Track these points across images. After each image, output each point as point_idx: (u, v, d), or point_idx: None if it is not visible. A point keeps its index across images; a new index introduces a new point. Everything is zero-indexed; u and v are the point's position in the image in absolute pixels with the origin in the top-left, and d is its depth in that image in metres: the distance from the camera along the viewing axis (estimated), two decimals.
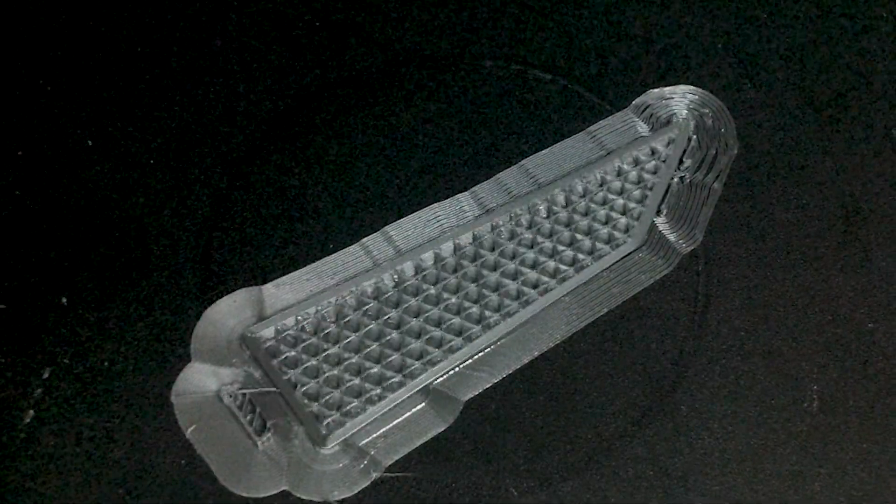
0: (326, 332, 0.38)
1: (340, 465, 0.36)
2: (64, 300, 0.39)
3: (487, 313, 0.38)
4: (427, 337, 0.37)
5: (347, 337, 0.38)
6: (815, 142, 0.43)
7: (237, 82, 0.44)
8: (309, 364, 0.37)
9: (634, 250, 0.40)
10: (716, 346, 0.39)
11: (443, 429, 0.36)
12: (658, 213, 0.40)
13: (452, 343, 0.37)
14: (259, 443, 0.35)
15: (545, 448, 0.37)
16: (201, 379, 0.36)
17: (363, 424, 0.36)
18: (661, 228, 0.40)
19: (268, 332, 0.37)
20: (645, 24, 0.45)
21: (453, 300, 0.38)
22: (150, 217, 0.41)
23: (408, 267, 0.39)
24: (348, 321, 0.38)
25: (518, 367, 0.38)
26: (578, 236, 0.39)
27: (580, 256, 0.39)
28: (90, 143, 0.42)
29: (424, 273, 0.39)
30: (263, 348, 0.37)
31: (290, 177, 0.42)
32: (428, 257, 0.39)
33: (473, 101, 0.43)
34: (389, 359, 0.37)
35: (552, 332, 0.38)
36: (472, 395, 0.37)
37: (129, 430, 0.37)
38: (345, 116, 0.43)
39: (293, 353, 0.37)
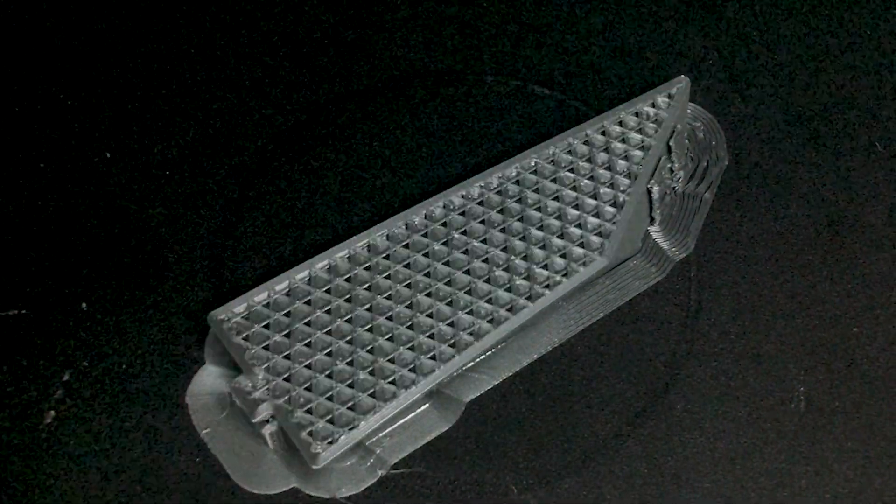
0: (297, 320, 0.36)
1: (348, 463, 0.35)
2: (84, 306, 0.39)
3: (479, 321, 0.37)
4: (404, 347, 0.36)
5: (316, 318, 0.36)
6: (801, 154, 0.43)
7: (249, 97, 0.44)
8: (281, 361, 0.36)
9: (630, 257, 0.40)
10: (707, 349, 0.39)
11: (446, 428, 0.36)
12: (651, 221, 0.40)
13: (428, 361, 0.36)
14: (269, 442, 0.35)
15: (544, 447, 0.37)
16: (214, 381, 0.36)
17: (353, 442, 0.35)
18: (654, 237, 0.40)
19: (236, 311, 0.37)
20: (639, 42, 0.45)
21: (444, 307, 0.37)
22: (166, 226, 0.41)
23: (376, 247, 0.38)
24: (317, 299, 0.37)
25: (518, 369, 0.38)
26: (554, 258, 0.38)
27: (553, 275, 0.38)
28: (108, 155, 0.42)
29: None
30: (228, 333, 0.36)
31: (299, 187, 0.42)
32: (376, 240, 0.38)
33: (475, 115, 0.44)
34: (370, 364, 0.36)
35: (550, 336, 0.38)
36: (473, 397, 0.37)
37: (146, 429, 0.37)
38: (352, 130, 0.43)
39: (262, 349, 0.36)
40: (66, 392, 0.38)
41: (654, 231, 0.40)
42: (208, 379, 0.36)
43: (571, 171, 0.40)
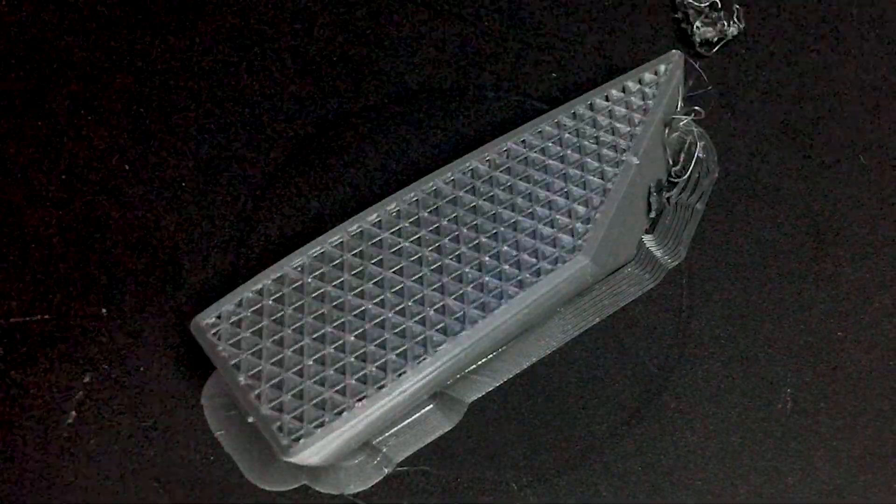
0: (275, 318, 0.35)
1: (356, 461, 0.36)
2: (104, 311, 0.39)
3: (452, 321, 0.35)
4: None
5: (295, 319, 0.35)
6: (789, 166, 0.43)
7: (262, 112, 0.44)
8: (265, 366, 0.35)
9: (624, 263, 0.40)
10: (698, 352, 0.39)
11: (449, 428, 0.37)
12: (646, 231, 0.40)
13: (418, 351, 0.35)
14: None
15: (542, 446, 0.37)
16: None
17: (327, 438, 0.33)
18: (648, 245, 0.40)
19: (212, 320, 0.35)
20: (633, 60, 0.44)
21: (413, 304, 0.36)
22: (182, 236, 0.41)
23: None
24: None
25: (518, 372, 0.38)
26: (525, 256, 0.36)
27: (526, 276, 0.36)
28: (127, 168, 0.43)
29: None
30: (209, 339, 0.35)
31: (309, 199, 0.42)
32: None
33: (477, 129, 0.43)
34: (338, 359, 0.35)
35: (549, 340, 0.38)
36: (475, 398, 0.37)
37: (163, 429, 0.37)
38: (360, 144, 0.43)
39: (240, 351, 0.35)
40: (87, 393, 0.38)
41: (648, 240, 0.40)
42: (222, 381, 0.36)
43: (546, 166, 0.38)
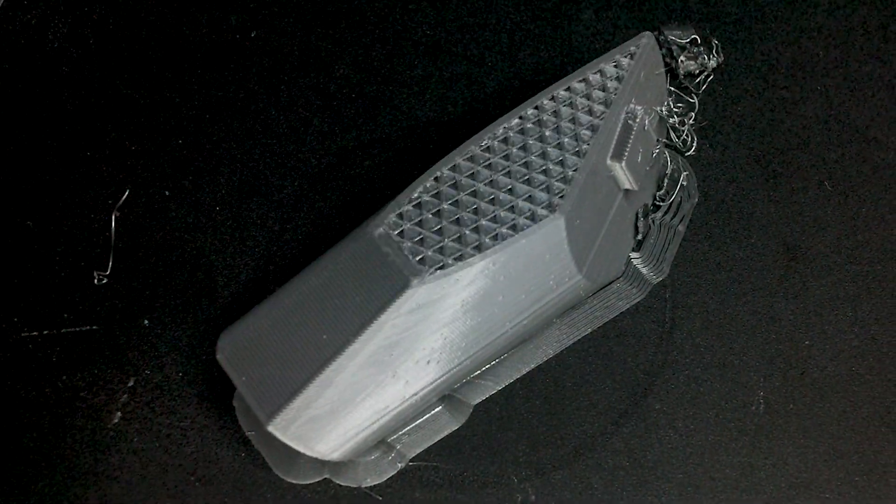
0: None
1: (372, 457, 0.36)
2: (146, 322, 0.40)
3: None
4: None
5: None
6: (761, 192, 0.43)
7: (288, 143, 0.44)
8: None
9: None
10: (680, 359, 0.39)
11: (455, 427, 0.37)
12: (633, 250, 0.41)
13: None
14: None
15: (540, 443, 0.38)
16: None
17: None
18: (635, 263, 0.41)
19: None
20: None
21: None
22: (216, 254, 0.42)
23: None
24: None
25: (518, 376, 0.38)
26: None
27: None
28: (167, 193, 0.43)
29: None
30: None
31: (331, 221, 0.43)
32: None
33: None
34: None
35: (546, 349, 0.39)
36: (479, 400, 0.38)
37: (199, 429, 0.38)
38: (376, 172, 0.44)
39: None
40: (131, 396, 0.39)
41: (635, 258, 0.41)
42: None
43: (536, 135, 0.37)
